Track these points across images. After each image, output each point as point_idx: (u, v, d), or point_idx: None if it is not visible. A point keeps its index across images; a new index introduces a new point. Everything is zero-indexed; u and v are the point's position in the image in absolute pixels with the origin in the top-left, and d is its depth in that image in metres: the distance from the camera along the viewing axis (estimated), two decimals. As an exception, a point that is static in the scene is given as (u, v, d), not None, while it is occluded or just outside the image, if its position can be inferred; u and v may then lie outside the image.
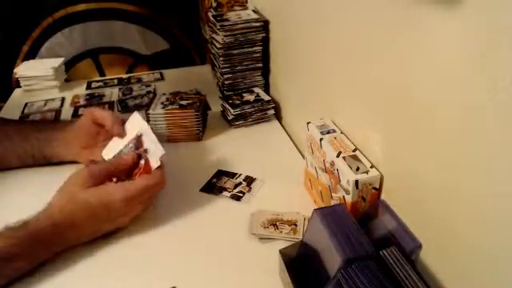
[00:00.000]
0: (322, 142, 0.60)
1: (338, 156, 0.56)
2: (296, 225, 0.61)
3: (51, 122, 0.94)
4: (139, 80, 1.23)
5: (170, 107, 0.85)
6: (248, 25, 0.93)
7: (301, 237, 0.58)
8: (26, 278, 0.54)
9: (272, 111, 0.93)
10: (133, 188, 0.58)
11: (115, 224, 0.60)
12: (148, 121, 0.84)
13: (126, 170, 0.62)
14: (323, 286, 0.43)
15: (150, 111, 0.85)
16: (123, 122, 0.70)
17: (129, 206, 0.58)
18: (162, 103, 0.87)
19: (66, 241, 0.57)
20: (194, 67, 1.40)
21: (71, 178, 0.59)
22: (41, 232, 0.53)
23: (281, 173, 0.75)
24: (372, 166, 0.54)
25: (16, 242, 0.51)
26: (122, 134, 0.68)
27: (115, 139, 0.69)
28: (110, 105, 1.07)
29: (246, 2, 1.08)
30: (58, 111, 1.05)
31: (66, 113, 1.04)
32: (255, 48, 0.96)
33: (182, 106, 0.86)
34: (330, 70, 0.67)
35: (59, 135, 0.74)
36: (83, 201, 0.56)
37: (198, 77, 1.24)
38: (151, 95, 1.09)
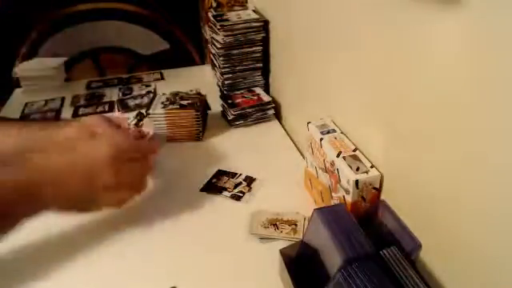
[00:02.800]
0: (322, 141, 0.60)
1: (338, 156, 0.56)
2: (296, 225, 0.61)
3: (53, 122, 0.91)
4: (139, 80, 1.23)
5: (170, 107, 0.85)
6: (248, 25, 0.93)
7: (301, 237, 0.58)
8: (25, 278, 0.54)
9: (272, 111, 0.93)
10: (119, 143, 0.55)
11: (94, 187, 0.54)
12: None
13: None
14: (323, 285, 0.43)
15: (150, 111, 0.85)
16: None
17: (115, 165, 0.54)
18: (162, 103, 0.87)
19: (39, 196, 0.51)
20: (194, 67, 1.40)
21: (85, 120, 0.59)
22: (13, 185, 0.49)
23: (281, 173, 0.75)
24: (372, 166, 0.54)
25: None
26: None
27: None
28: (110, 105, 1.07)
29: (246, 2, 1.08)
30: (58, 111, 1.05)
31: (66, 113, 1.04)
32: (255, 48, 0.96)
33: (182, 106, 0.86)
34: (330, 70, 0.67)
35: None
36: (70, 143, 0.54)
37: (197, 77, 1.24)
38: (151, 95, 1.09)
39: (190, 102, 0.88)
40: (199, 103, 0.87)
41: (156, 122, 0.85)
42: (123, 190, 0.58)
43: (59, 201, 0.53)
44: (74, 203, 0.55)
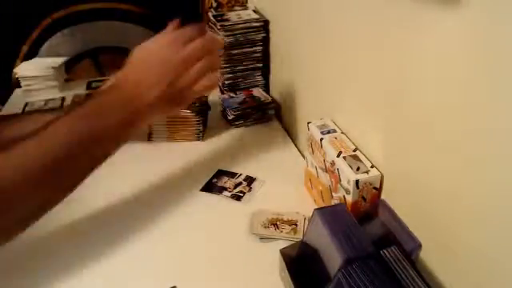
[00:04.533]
0: (323, 141, 0.60)
1: (338, 156, 0.56)
2: (296, 225, 0.62)
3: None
4: (139, 80, 1.22)
5: None
6: (248, 25, 0.93)
7: (301, 237, 0.58)
8: (25, 278, 0.54)
9: (272, 111, 0.93)
10: (175, 32, 0.57)
11: (173, 72, 0.55)
12: None
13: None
14: (324, 285, 0.43)
15: None
16: None
17: (180, 49, 0.55)
18: None
19: (135, 97, 0.53)
20: (194, 67, 1.39)
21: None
22: (107, 89, 0.53)
23: (281, 173, 0.75)
24: (372, 166, 0.54)
25: (90, 102, 0.51)
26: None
27: None
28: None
29: (246, 2, 1.08)
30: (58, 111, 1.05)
31: (66, 113, 1.04)
32: (255, 48, 0.96)
33: None
34: (330, 69, 0.67)
35: None
36: (140, 52, 0.57)
37: (198, 77, 1.24)
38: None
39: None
40: (199, 104, 0.87)
41: (156, 122, 0.85)
42: (199, 61, 0.57)
43: (154, 95, 0.54)
44: (166, 94, 0.55)
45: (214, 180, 0.74)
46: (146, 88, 0.54)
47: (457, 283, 0.43)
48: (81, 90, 1.19)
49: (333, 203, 0.59)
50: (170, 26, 0.59)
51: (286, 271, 0.48)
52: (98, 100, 0.52)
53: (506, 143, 0.33)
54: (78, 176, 0.49)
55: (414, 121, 0.46)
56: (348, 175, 0.53)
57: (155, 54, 0.56)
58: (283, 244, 0.54)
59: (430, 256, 0.46)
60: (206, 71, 0.57)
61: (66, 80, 1.25)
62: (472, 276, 0.40)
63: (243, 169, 0.76)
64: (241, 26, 0.92)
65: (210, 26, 1.00)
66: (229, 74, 0.97)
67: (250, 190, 0.71)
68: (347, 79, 0.61)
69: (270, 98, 0.93)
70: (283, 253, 0.51)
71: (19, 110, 1.06)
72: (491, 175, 0.35)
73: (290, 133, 0.90)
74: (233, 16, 0.95)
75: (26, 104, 1.10)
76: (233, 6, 1.05)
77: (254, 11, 0.98)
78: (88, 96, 0.51)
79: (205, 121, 0.90)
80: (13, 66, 1.47)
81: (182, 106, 0.59)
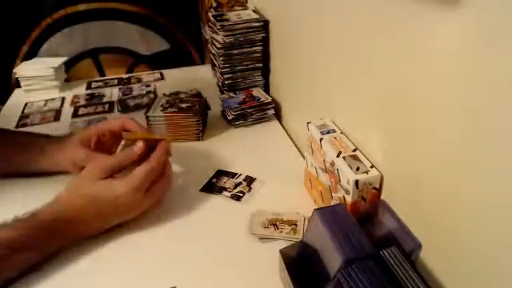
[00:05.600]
0: (322, 141, 0.60)
1: (338, 156, 0.56)
2: (296, 225, 0.61)
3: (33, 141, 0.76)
4: (139, 80, 1.23)
5: (169, 110, 0.85)
6: (248, 25, 0.93)
7: (301, 237, 0.58)
8: (24, 277, 0.54)
9: (272, 111, 0.93)
10: (134, 179, 0.59)
11: (123, 218, 0.61)
12: (148, 122, 0.85)
13: (135, 160, 0.62)
14: (323, 285, 0.43)
15: (150, 113, 0.85)
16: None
17: (135, 198, 0.59)
18: (162, 105, 0.87)
19: (75, 233, 0.58)
20: (194, 67, 1.40)
21: (83, 172, 0.60)
22: (50, 224, 0.54)
23: (281, 173, 0.75)
24: (372, 166, 0.54)
25: (26, 233, 0.52)
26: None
27: None
28: (110, 105, 1.07)
29: (246, 2, 1.08)
30: (58, 111, 1.05)
31: (66, 113, 1.04)
32: (255, 48, 0.96)
33: (181, 109, 0.86)
34: (330, 69, 0.67)
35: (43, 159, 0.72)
36: (91, 196, 0.57)
37: (197, 77, 1.24)
38: (151, 95, 1.09)
39: (189, 104, 0.88)
40: (198, 105, 0.87)
41: (156, 123, 0.85)
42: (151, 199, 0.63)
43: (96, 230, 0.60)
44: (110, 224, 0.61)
45: (214, 180, 0.74)
46: (86, 227, 0.59)
47: (457, 283, 0.43)
48: (81, 90, 1.19)
49: (332, 203, 0.59)
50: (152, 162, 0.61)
51: (286, 271, 0.48)
52: (43, 224, 0.54)
53: (506, 143, 0.33)
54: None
55: (414, 121, 0.46)
56: (348, 175, 0.53)
57: (113, 205, 0.58)
58: (283, 244, 0.54)
59: (430, 256, 0.46)
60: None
61: (66, 80, 1.25)
62: (472, 276, 0.40)
63: (243, 169, 0.76)
64: (241, 25, 0.92)
65: (210, 26, 1.00)
66: (228, 73, 0.97)
67: (249, 190, 0.71)
68: (347, 79, 0.61)
69: (269, 98, 0.93)
70: (283, 253, 0.51)
71: (19, 110, 1.06)
72: (491, 175, 0.35)
73: (290, 133, 0.90)
74: (233, 16, 0.95)
75: (26, 104, 1.10)
76: (233, 6, 1.05)
77: (254, 11, 0.98)
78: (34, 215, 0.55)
79: (204, 121, 0.90)
80: (13, 66, 1.47)
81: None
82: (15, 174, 0.73)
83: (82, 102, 1.10)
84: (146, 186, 0.60)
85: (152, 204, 0.63)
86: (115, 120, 0.71)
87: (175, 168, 0.77)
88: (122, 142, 0.65)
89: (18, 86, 1.19)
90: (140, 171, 0.59)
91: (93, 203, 0.57)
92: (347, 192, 0.54)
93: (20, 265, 0.53)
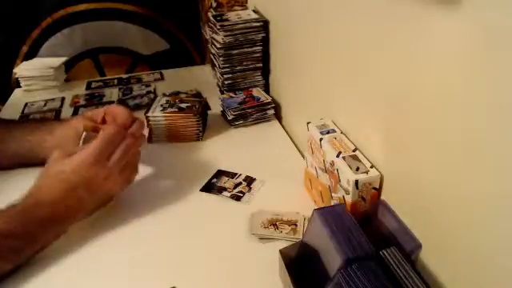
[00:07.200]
0: (322, 141, 0.60)
1: (337, 156, 0.56)
2: (296, 225, 0.61)
3: (44, 123, 0.83)
4: (139, 80, 1.23)
5: (169, 110, 0.85)
6: (248, 25, 0.93)
7: (301, 237, 0.58)
8: (24, 277, 0.54)
9: (272, 111, 0.93)
10: (91, 145, 0.59)
11: (101, 191, 0.60)
12: (148, 122, 0.85)
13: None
14: (323, 286, 0.43)
15: (149, 113, 0.85)
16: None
17: (98, 164, 0.58)
18: (162, 105, 0.87)
19: (56, 217, 0.57)
20: (194, 67, 1.40)
21: (51, 156, 0.60)
22: (28, 210, 0.54)
23: (281, 173, 0.75)
24: (372, 166, 0.54)
25: (6, 220, 0.52)
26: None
27: None
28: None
29: (246, 2, 1.08)
30: (58, 111, 1.05)
31: (66, 113, 1.04)
32: (255, 48, 0.96)
33: (181, 109, 0.86)
34: (330, 69, 0.67)
35: (51, 139, 0.73)
36: (56, 172, 0.57)
37: (197, 77, 1.24)
38: (151, 95, 1.09)
39: (189, 105, 0.88)
40: (198, 106, 0.87)
41: (155, 124, 0.85)
42: (121, 172, 0.62)
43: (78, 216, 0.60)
44: (91, 209, 0.62)
45: (214, 180, 0.74)
46: (65, 210, 0.58)
47: (457, 283, 0.43)
48: (81, 90, 1.19)
49: (332, 203, 0.59)
50: (109, 129, 0.62)
51: (286, 271, 0.48)
52: (24, 217, 0.54)
53: (507, 143, 0.33)
54: None
55: (414, 121, 0.46)
56: (347, 175, 0.53)
57: (78, 174, 0.58)
58: (283, 244, 0.54)
59: (430, 256, 0.46)
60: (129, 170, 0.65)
61: (66, 80, 1.25)
62: (472, 276, 0.40)
63: (243, 169, 0.76)
64: (240, 25, 0.92)
65: (210, 26, 1.00)
66: (228, 74, 0.97)
67: (249, 190, 0.71)
68: (347, 79, 0.61)
69: (269, 98, 0.93)
70: (283, 253, 0.51)
71: (19, 110, 1.06)
72: (491, 175, 0.35)
73: (290, 133, 0.90)
74: (232, 16, 0.95)
75: (26, 104, 1.10)
76: (232, 5, 1.05)
77: (254, 11, 0.98)
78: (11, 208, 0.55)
79: (204, 121, 0.90)
80: (13, 66, 1.47)
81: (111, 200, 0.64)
82: (28, 159, 0.73)
83: (82, 102, 1.10)
84: (109, 151, 0.60)
85: (127, 169, 0.63)
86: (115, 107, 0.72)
87: (175, 168, 0.78)
88: (84, 134, 0.66)
89: (18, 85, 1.19)
90: (97, 138, 0.60)
91: (60, 180, 0.57)
92: (347, 192, 0.54)
93: (6, 253, 0.52)
